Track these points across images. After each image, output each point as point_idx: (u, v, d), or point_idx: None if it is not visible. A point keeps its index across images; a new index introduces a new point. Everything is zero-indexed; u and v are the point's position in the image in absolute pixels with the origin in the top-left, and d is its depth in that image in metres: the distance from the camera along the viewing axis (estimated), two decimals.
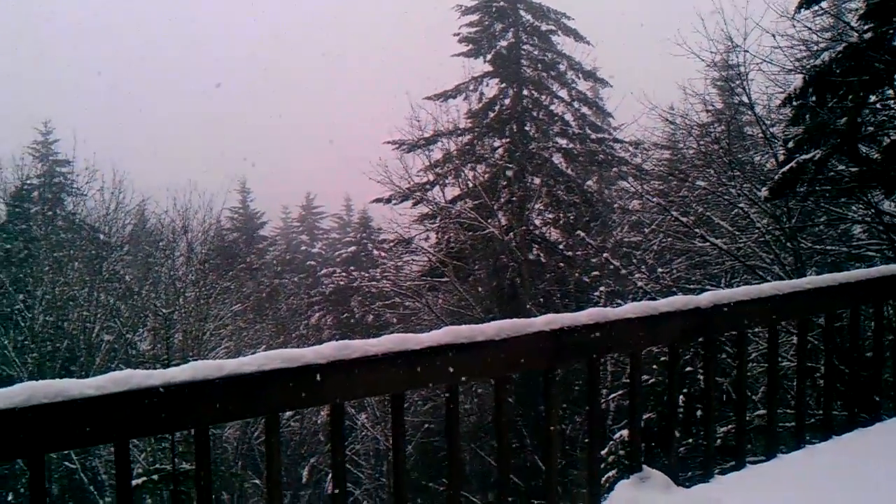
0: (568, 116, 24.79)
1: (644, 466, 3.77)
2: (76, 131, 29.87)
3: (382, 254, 29.37)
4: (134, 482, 10.84)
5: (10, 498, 17.80)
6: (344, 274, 34.12)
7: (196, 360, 12.65)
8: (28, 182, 26.77)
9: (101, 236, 24.64)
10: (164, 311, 18.86)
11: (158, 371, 2.66)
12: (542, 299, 21.14)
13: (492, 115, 24.45)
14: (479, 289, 22.29)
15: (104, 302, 20.68)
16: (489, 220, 22.09)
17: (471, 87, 24.48)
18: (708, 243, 14.27)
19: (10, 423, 2.37)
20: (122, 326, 20.27)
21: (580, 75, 24.56)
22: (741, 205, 14.20)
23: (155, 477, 10.65)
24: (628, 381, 4.53)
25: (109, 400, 2.53)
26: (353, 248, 37.93)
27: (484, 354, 3.29)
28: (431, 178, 24.48)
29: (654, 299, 13.57)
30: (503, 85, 24.40)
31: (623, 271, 16.74)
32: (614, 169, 23.37)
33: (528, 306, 20.19)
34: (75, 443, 2.69)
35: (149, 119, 61.64)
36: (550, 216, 24.21)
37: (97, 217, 25.43)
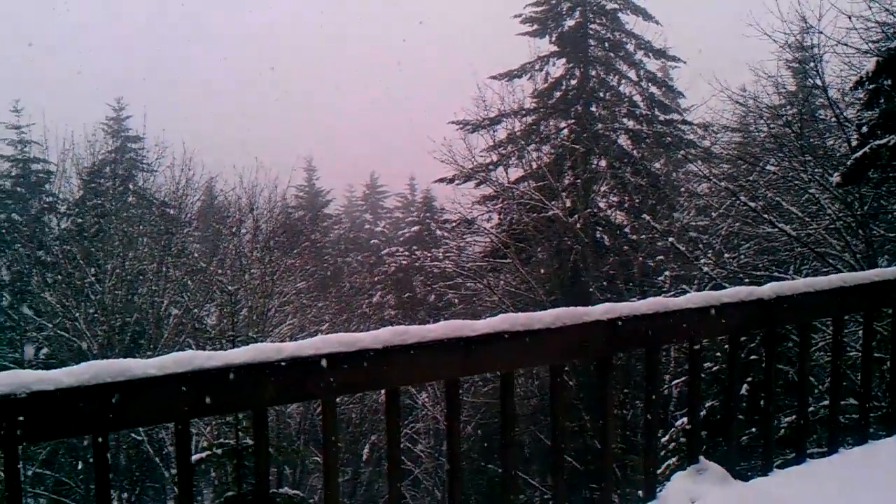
0: (636, 97, 24.44)
1: (701, 458, 3.71)
2: (146, 107, 30.59)
3: (445, 234, 29.43)
4: (199, 455, 11.08)
5: (79, 466, 18.38)
6: (406, 253, 34.35)
7: (260, 336, 12.93)
8: (101, 158, 27.39)
9: (171, 212, 25.11)
10: (230, 287, 19.16)
11: (219, 353, 2.70)
12: (605, 283, 20.94)
13: (557, 95, 24.25)
14: (542, 271, 22.16)
15: (173, 277, 21.08)
16: (553, 202, 21.95)
17: (536, 67, 24.30)
18: (777, 229, 13.92)
19: (76, 400, 2.43)
20: (189, 301, 20.64)
21: (649, 54, 24.18)
22: (812, 190, 13.82)
23: (219, 451, 10.86)
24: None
25: (171, 380, 2.57)
26: (416, 228, 38.11)
27: (540, 342, 3.27)
28: (495, 158, 24.41)
29: (720, 285, 13.35)
30: (569, 65, 24.16)
31: (689, 256, 16.47)
32: (682, 151, 22.97)
33: (590, 290, 20.04)
34: (137, 422, 2.75)
35: (216, 98, 62.49)
36: (615, 199, 23.96)
37: (167, 193, 25.93)
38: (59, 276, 20.59)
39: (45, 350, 20.37)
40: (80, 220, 23.68)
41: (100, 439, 2.56)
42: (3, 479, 2.44)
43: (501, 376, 3.33)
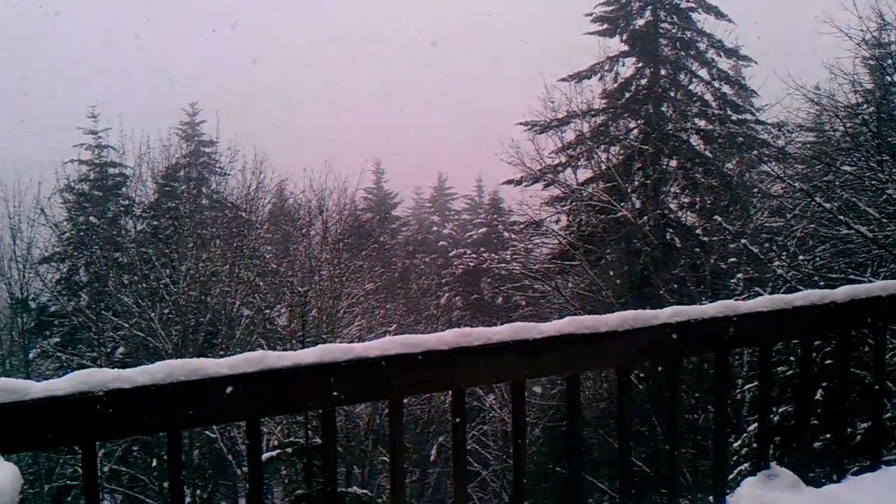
0: (707, 96, 24.05)
1: (772, 464, 3.64)
2: (219, 112, 31.23)
3: (513, 236, 29.43)
4: (269, 454, 11.26)
5: (153, 464, 18.80)
6: (474, 255, 34.36)
7: (329, 337, 13.09)
8: (175, 161, 28.01)
9: (243, 215, 25.54)
10: (300, 288, 19.41)
11: (290, 353, 2.75)
12: (675, 285, 20.64)
13: (627, 95, 24.01)
14: (611, 273, 21.96)
15: (244, 278, 21.43)
16: (622, 203, 21.74)
17: (606, 67, 24.09)
18: (853, 231, 13.55)
19: (151, 398, 2.49)
20: (260, 302, 20.96)
21: (721, 53, 23.78)
22: (889, 191, 13.41)
23: (289, 450, 11.03)
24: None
25: (242, 379, 2.63)
26: (483, 230, 38.09)
27: (606, 345, 3.25)
28: (563, 159, 24.28)
29: (794, 288, 13.06)
30: (640, 64, 23.91)
31: (762, 258, 16.13)
32: (755, 151, 22.53)
33: (660, 292, 19.78)
34: (210, 420, 2.82)
35: (286, 101, 63.38)
36: (686, 200, 23.60)
37: (239, 196, 26.38)
38: (135, 278, 21.09)
39: (121, 349, 20.88)
40: (155, 223, 24.24)
41: (174, 437, 2.63)
42: (82, 474, 2.52)
43: (568, 379, 3.32)
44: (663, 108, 23.67)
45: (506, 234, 33.19)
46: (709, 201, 22.51)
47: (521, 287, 25.22)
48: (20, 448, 2.45)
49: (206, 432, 17.97)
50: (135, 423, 2.55)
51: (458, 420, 3.13)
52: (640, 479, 17.90)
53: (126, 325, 20.24)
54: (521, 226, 25.73)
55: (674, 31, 23.77)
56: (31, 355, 22.54)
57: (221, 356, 2.80)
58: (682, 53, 23.80)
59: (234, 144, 27.67)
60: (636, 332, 3.29)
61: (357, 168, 37.29)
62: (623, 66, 24.11)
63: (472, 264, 34.14)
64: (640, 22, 23.69)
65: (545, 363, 3.19)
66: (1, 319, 22.12)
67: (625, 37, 23.74)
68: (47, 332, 24.32)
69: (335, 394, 2.83)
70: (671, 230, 22.58)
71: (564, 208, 24.28)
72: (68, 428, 2.43)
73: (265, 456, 10.69)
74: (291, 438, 12.73)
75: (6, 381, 2.31)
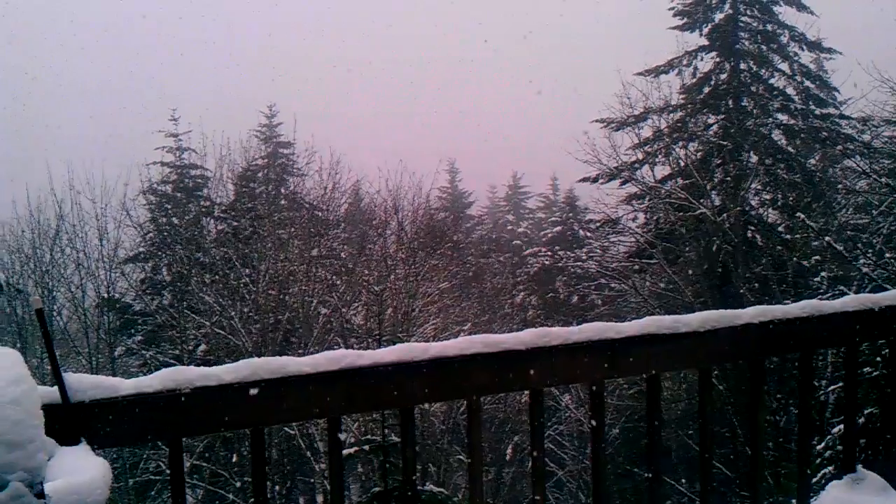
0: (790, 90, 23.49)
1: (859, 467, 3.54)
2: (296, 114, 31.77)
3: (588, 234, 29.13)
4: (347, 451, 11.38)
5: (234, 459, 19.17)
6: (549, 254, 34.16)
7: (405, 336, 13.19)
8: (254, 163, 28.54)
9: (320, 215, 25.88)
10: (376, 287, 19.59)
11: (369, 352, 2.79)
12: (756, 284, 20.21)
13: (706, 90, 23.58)
14: (689, 272, 21.61)
15: (322, 277, 21.70)
16: (701, 200, 21.35)
17: (684, 62, 23.72)
18: None
19: (236, 395, 2.55)
20: (338, 301, 21.19)
21: (804, 46, 23.20)
22: None
23: (366, 447, 11.14)
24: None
25: (324, 377, 2.67)
26: (558, 228, 37.86)
27: (687, 346, 3.21)
28: (640, 156, 23.97)
29: (880, 287, 12.66)
30: (719, 59, 23.47)
31: (847, 256, 15.69)
32: (839, 146, 21.90)
33: (741, 291, 19.39)
34: (292, 417, 2.87)
35: (358, 103, 63.99)
36: (768, 196, 23.07)
37: (316, 196, 26.76)
38: (216, 277, 21.54)
39: (202, 347, 21.34)
40: (235, 224, 24.72)
41: (257, 433, 2.68)
42: (168, 469, 2.59)
43: (647, 379, 3.28)
44: (744, 103, 23.19)
45: (581, 232, 32.89)
46: (791, 198, 21.97)
47: (597, 286, 25.02)
48: (111, 443, 2.53)
49: (285, 429, 18.24)
50: (220, 420, 2.61)
51: (535, 420, 3.12)
52: (720, 481, 17.60)
53: (207, 323, 20.68)
54: (598, 224, 25.50)
55: (754, 24, 23.25)
56: (116, 353, 23.20)
57: (300, 354, 2.86)
58: (764, 47, 23.28)
59: (311, 146, 28.12)
60: (718, 332, 3.25)
61: (431, 167, 37.42)
62: (702, 60, 23.71)
63: (547, 263, 33.95)
64: (720, 16, 23.25)
65: (624, 363, 3.17)
66: (88, 318, 22.79)
67: (704, 31, 23.35)
68: (132, 331, 25.01)
69: (414, 392, 2.86)
70: (752, 228, 22.10)
71: (642, 206, 23.99)
72: (156, 424, 2.51)
73: (343, 453, 10.80)
74: (368, 436, 12.85)
75: (99, 379, 2.39)
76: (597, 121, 23.94)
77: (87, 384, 2.36)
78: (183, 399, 2.46)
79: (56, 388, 2.26)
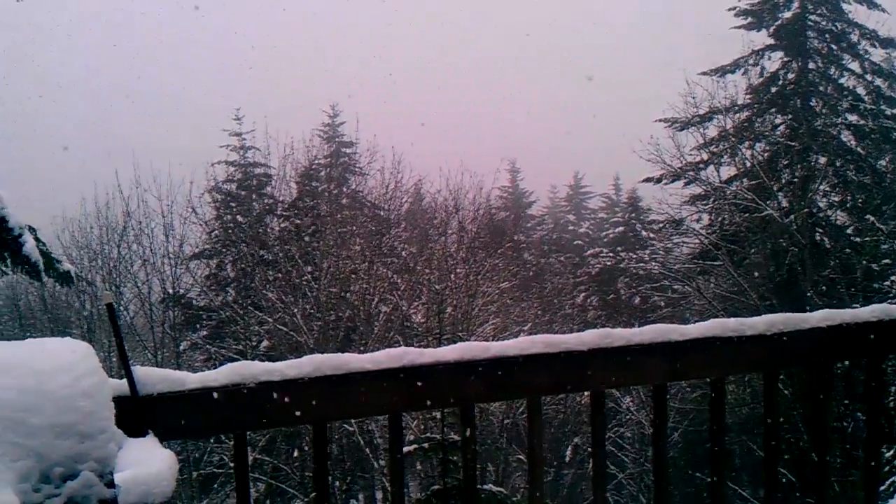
0: (860, 90, 22.90)
1: None
2: (358, 114, 32.05)
3: (651, 235, 28.82)
4: (406, 448, 11.41)
5: (295, 454, 19.42)
6: (611, 254, 33.84)
7: (465, 335, 13.18)
8: (316, 162, 28.86)
9: (381, 213, 26.08)
10: (437, 286, 19.65)
11: (430, 350, 2.80)
12: (824, 288, 19.78)
13: (773, 90, 23.15)
14: (755, 274, 21.21)
15: (383, 275, 21.87)
16: (768, 202, 20.96)
17: (750, 62, 23.32)
18: None
19: (299, 391, 2.58)
20: (398, 299, 21.32)
21: (875, 43, 22.61)
22: None
23: (425, 445, 11.15)
24: None
25: (385, 375, 2.69)
26: (620, 229, 37.50)
27: (753, 349, 3.15)
28: (705, 157, 23.65)
29: None
30: (787, 58, 23.02)
31: None
32: None
33: (808, 295, 19.00)
34: (354, 413, 2.90)
35: (421, 103, 64.23)
36: (836, 198, 22.54)
37: (377, 195, 26.99)
38: (279, 274, 21.84)
39: (265, 343, 21.65)
40: (297, 222, 25.03)
41: (320, 429, 2.71)
42: (233, 463, 2.64)
43: (711, 383, 3.24)
44: (812, 103, 22.70)
45: (644, 233, 32.55)
46: (860, 200, 21.45)
47: (659, 287, 24.73)
48: (177, 436, 2.58)
49: (345, 426, 18.42)
50: (283, 415, 2.64)
51: (597, 422, 3.10)
52: (785, 488, 17.27)
53: (270, 319, 20.98)
54: (661, 225, 25.21)
55: (823, 22, 22.74)
56: (181, 347, 23.67)
57: (360, 352, 2.89)
58: (833, 46, 22.76)
59: (373, 145, 28.42)
60: (785, 335, 3.18)
61: (492, 167, 37.47)
62: (769, 60, 23.29)
63: (608, 263, 33.64)
64: (787, 14, 22.79)
65: (688, 366, 3.12)
66: (154, 313, 23.29)
67: (771, 30, 22.91)
68: (197, 326, 25.49)
69: (474, 391, 2.86)
70: (820, 230, 21.62)
71: (706, 207, 23.65)
72: (222, 418, 2.55)
73: (403, 450, 10.85)
74: (428, 434, 12.88)
75: (166, 372, 2.44)
76: (661, 120, 23.68)
77: (154, 377, 2.41)
78: (247, 393, 2.50)
79: (125, 380, 2.31)
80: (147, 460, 1.97)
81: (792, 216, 20.78)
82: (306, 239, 23.35)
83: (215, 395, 2.48)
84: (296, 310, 20.16)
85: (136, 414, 2.28)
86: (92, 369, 1.69)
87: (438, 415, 11.83)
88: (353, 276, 21.60)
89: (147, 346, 22.54)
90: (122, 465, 1.75)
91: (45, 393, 1.58)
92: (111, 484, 1.65)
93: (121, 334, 2.36)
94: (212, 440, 19.64)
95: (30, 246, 9.36)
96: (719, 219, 23.12)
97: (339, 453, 19.53)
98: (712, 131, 23.46)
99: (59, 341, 1.76)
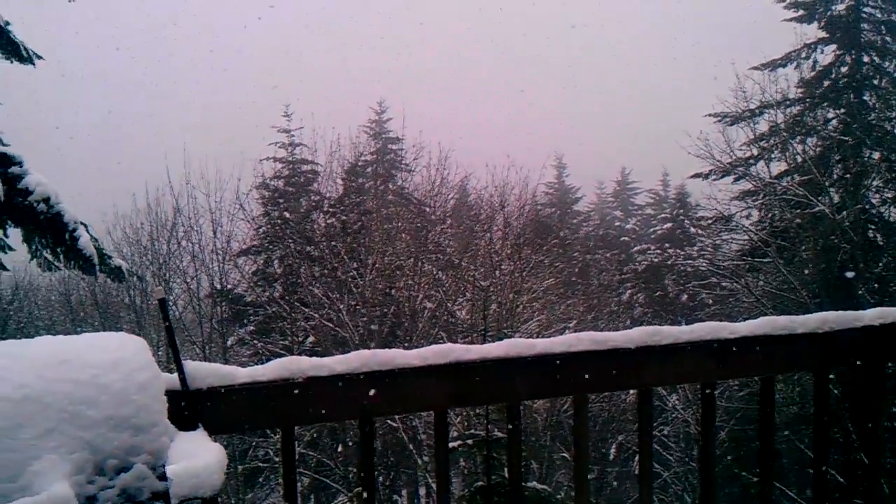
0: None
1: None
2: (405, 110, 32.18)
3: (699, 231, 28.52)
4: (450, 445, 11.42)
5: (339, 449, 19.55)
6: (658, 251, 33.57)
7: (510, 331, 13.16)
8: (363, 159, 29.00)
9: (427, 210, 26.13)
10: (482, 283, 19.63)
11: (476, 346, 2.80)
12: (876, 285, 19.39)
13: (826, 84, 22.71)
14: (805, 271, 20.87)
15: (428, 272, 21.91)
16: (819, 198, 20.60)
17: (802, 55, 22.91)
18: None
19: (346, 386, 2.61)
20: (443, 296, 21.35)
21: None
22: None
23: (469, 441, 11.15)
24: None
25: (432, 371, 2.70)
26: (668, 225, 37.14)
27: (803, 348, 3.11)
28: (755, 152, 23.31)
29: None
30: (839, 51, 22.57)
31: None
32: None
33: (860, 292, 18.64)
34: (400, 409, 2.91)
35: (465, 98, 64.20)
36: (889, 194, 22.05)
37: (423, 192, 27.05)
38: (325, 270, 21.99)
39: (310, 338, 21.81)
40: (343, 218, 25.18)
41: (367, 424, 2.73)
42: (281, 457, 2.66)
43: (761, 381, 3.20)
44: (865, 97, 22.23)
45: (692, 229, 32.23)
46: None
47: (707, 285, 24.44)
48: (226, 430, 2.62)
49: (389, 421, 18.49)
50: (330, 410, 2.66)
51: (644, 420, 3.08)
52: (835, 489, 16.99)
53: (316, 315, 21.13)
54: (709, 221, 24.90)
55: (878, 14, 22.26)
56: (228, 342, 23.96)
57: (405, 348, 2.90)
58: (888, 39, 22.27)
59: (419, 141, 28.51)
60: (836, 334, 3.13)
61: (538, 163, 37.35)
62: (821, 53, 22.87)
63: (655, 260, 33.38)
64: (840, 7, 22.35)
65: (737, 364, 3.09)
66: (202, 308, 23.59)
67: (823, 23, 22.50)
68: (244, 321, 25.76)
69: (520, 388, 2.86)
70: (873, 226, 21.20)
71: (756, 203, 23.30)
72: (270, 412, 2.58)
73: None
74: (472, 430, 12.88)
75: (216, 367, 2.47)
76: (710, 115, 23.40)
77: (204, 372, 2.44)
78: (296, 388, 2.53)
79: (176, 374, 2.35)
80: (197, 453, 2.00)
81: (844, 212, 20.39)
82: (352, 235, 23.45)
83: (264, 389, 2.51)
84: (341, 306, 20.28)
85: (187, 408, 2.31)
86: (146, 363, 1.72)
87: (481, 411, 11.82)
88: (398, 272, 21.66)
89: (195, 340, 22.85)
90: (173, 458, 1.78)
91: (100, 386, 1.61)
92: (163, 476, 1.68)
93: (172, 329, 2.39)
94: (257, 435, 19.85)
95: (84, 240, 9.53)
96: (769, 215, 22.77)
97: (382, 448, 19.62)
98: (763, 126, 23.13)
99: (115, 336, 1.79)
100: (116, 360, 1.67)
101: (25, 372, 1.59)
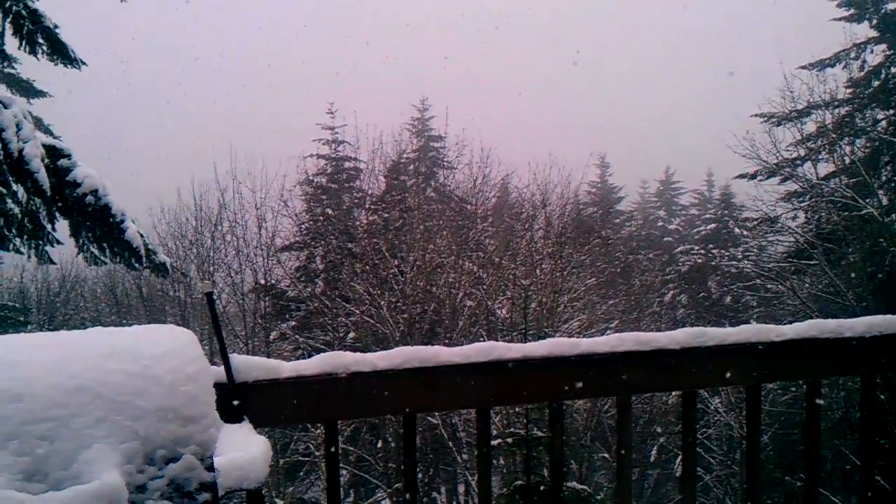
0: None
1: None
2: (447, 108, 32.25)
3: (744, 232, 28.18)
4: (491, 443, 11.41)
5: (378, 444, 19.63)
6: (702, 252, 33.22)
7: (550, 331, 13.10)
8: (405, 156, 29.09)
9: (468, 207, 26.12)
10: (522, 281, 19.58)
11: (518, 345, 2.80)
12: None
13: (876, 84, 22.32)
14: (852, 275, 20.52)
15: (468, 270, 21.90)
16: (867, 200, 20.25)
17: (851, 55, 22.54)
18: None
19: (388, 382, 2.62)
20: (483, 294, 21.32)
21: None
22: None
23: (509, 440, 11.14)
24: None
25: (473, 369, 2.71)
26: (712, 226, 36.75)
27: (850, 352, 3.06)
28: (802, 152, 23.01)
29: None
30: (890, 51, 22.16)
31: None
32: None
33: None
34: (443, 406, 2.93)
35: (506, 96, 64.11)
36: None
37: (465, 189, 27.05)
38: (367, 267, 22.07)
39: (351, 334, 21.91)
40: (385, 215, 25.26)
41: (409, 420, 2.74)
42: (324, 451, 2.68)
43: (807, 385, 3.16)
44: None
45: (737, 230, 31.83)
46: None
47: (751, 287, 24.15)
48: (270, 423, 2.64)
49: (429, 418, 18.53)
50: (373, 405, 2.68)
51: (688, 422, 3.05)
52: (880, 496, 16.70)
53: (357, 311, 21.23)
54: (755, 222, 24.60)
55: None
56: (271, 337, 24.16)
57: (445, 345, 2.90)
58: None
59: (461, 139, 28.52)
60: (885, 338, 3.09)
61: (581, 162, 37.15)
62: (871, 53, 22.48)
63: (699, 261, 33.03)
64: (892, 6, 21.95)
65: (783, 367, 3.05)
66: (246, 302, 23.82)
67: (874, 22, 22.11)
68: (286, 316, 25.97)
69: (563, 388, 2.85)
70: None
71: (802, 204, 22.98)
72: (314, 406, 2.60)
73: None
74: (511, 429, 12.87)
75: (261, 360, 2.50)
76: (757, 115, 23.14)
77: (250, 365, 2.47)
78: (340, 383, 2.55)
79: (222, 367, 2.38)
80: (243, 445, 2.03)
81: (893, 215, 20.03)
82: (393, 232, 23.53)
83: (308, 383, 2.53)
84: (382, 302, 20.36)
85: (233, 400, 2.34)
86: (195, 356, 1.74)
87: (521, 409, 11.80)
88: (439, 269, 21.69)
89: (238, 334, 23.07)
90: (220, 450, 1.80)
91: (151, 377, 1.64)
92: (211, 468, 1.70)
93: (219, 322, 2.42)
94: (298, 429, 20.00)
95: (131, 232, 9.64)
96: (816, 217, 22.44)
97: (422, 445, 19.66)
98: (810, 126, 22.83)
99: (164, 328, 1.82)
100: (167, 352, 1.70)
101: (78, 362, 1.62)
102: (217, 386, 1.95)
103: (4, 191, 8.25)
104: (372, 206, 27.14)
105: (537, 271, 20.85)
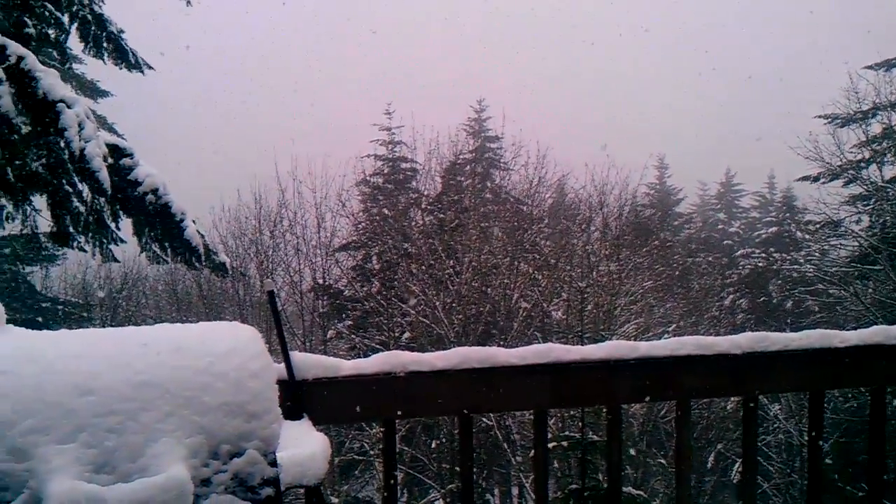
0: None
1: None
2: (504, 109, 32.24)
3: (806, 236, 27.63)
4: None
5: (433, 445, 19.65)
6: (763, 255, 32.65)
7: (607, 333, 13.01)
8: (461, 157, 29.12)
9: (524, 209, 26.04)
10: (579, 283, 19.45)
11: (577, 347, 2.79)
12: None
13: None
14: None
15: (524, 271, 21.82)
16: None
17: None
18: None
19: (445, 382, 2.63)
20: (539, 296, 21.23)
21: None
22: None
23: (564, 443, 11.10)
24: None
25: (531, 370, 2.71)
26: (773, 229, 36.11)
27: None
28: (867, 155, 22.50)
29: None
30: None
31: None
32: None
33: None
34: (499, 406, 2.93)
35: (566, 98, 63.76)
36: None
37: (521, 190, 26.98)
38: (422, 267, 22.13)
39: (406, 334, 21.98)
40: (441, 216, 25.31)
41: (465, 421, 2.75)
42: (382, 449, 2.70)
43: (872, 392, 3.09)
44: None
45: (798, 234, 31.21)
46: None
47: (813, 291, 23.71)
48: (329, 420, 2.67)
49: (483, 419, 18.51)
50: (431, 405, 2.69)
51: (749, 429, 3.01)
52: None
53: (412, 311, 21.30)
54: (817, 225, 24.13)
55: None
56: (327, 335, 24.38)
57: (500, 346, 2.90)
58: None
59: (518, 140, 28.46)
60: None
61: (639, 163, 36.80)
62: None
63: (760, 265, 32.45)
64: None
65: (848, 374, 2.99)
66: (304, 301, 24.07)
67: None
68: (343, 315, 26.16)
69: (622, 391, 2.83)
70: None
71: (867, 207, 22.48)
72: (372, 405, 2.62)
73: None
74: (566, 432, 12.81)
75: (321, 358, 2.53)
76: (820, 116, 22.70)
77: (310, 363, 2.50)
78: (398, 382, 2.56)
79: (282, 365, 2.41)
80: (303, 442, 2.05)
81: None
82: (449, 233, 23.55)
83: (367, 382, 2.55)
84: (438, 303, 20.39)
85: (294, 397, 2.37)
86: (259, 352, 1.77)
87: (576, 413, 11.74)
88: (495, 271, 21.65)
89: (296, 332, 23.32)
90: (280, 447, 1.83)
91: (216, 373, 1.66)
92: (274, 463, 1.72)
93: (280, 321, 2.46)
94: (353, 428, 20.12)
95: (191, 231, 9.78)
96: (881, 220, 21.93)
97: (476, 446, 19.64)
98: (876, 128, 22.30)
99: (228, 325, 1.85)
100: (231, 349, 1.72)
101: (145, 358, 1.66)
102: (278, 383, 1.98)
103: (70, 190, 8.44)
104: (428, 207, 27.20)
105: (594, 273, 20.69)
